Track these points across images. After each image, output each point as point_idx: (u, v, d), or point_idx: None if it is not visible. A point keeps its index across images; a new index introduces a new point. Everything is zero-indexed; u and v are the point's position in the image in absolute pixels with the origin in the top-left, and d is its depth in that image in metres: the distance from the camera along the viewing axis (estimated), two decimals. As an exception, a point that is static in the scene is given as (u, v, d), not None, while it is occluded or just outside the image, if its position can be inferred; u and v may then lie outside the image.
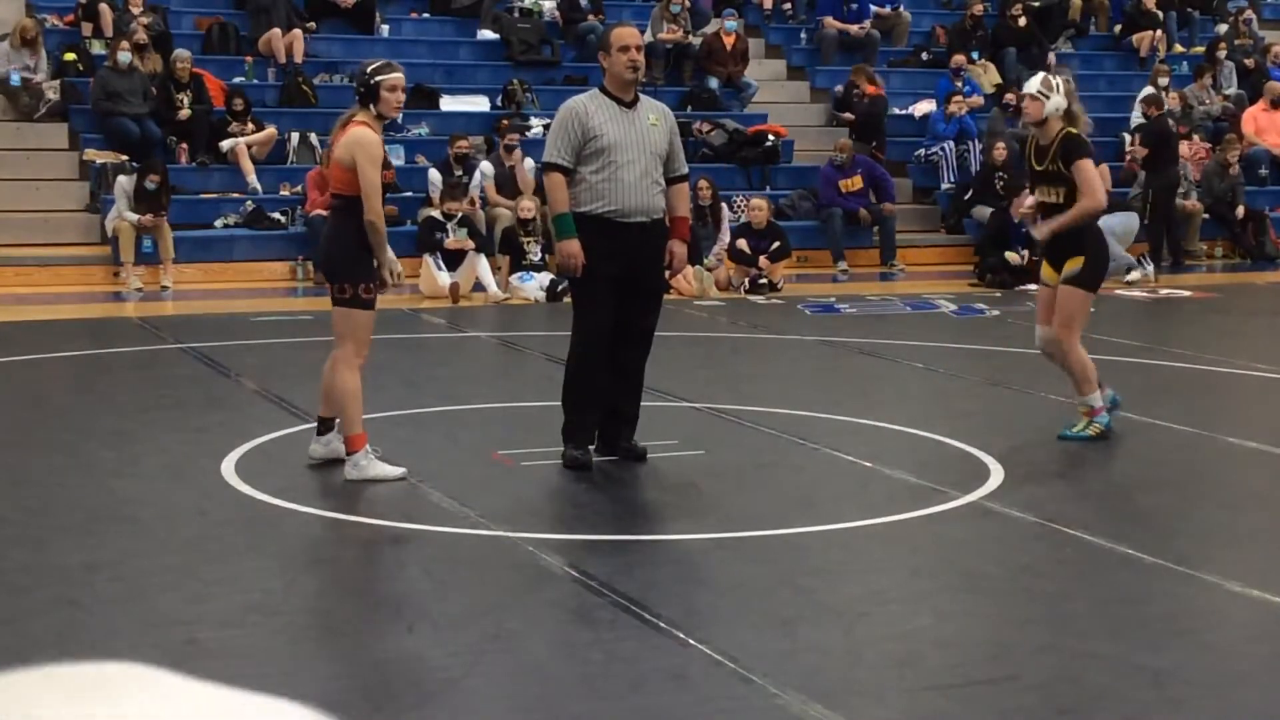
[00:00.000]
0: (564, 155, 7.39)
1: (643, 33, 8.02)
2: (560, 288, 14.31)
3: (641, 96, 7.61)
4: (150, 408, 9.11)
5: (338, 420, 7.35)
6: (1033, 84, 8.17)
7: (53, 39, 18.07)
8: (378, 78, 7.20)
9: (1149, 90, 19.79)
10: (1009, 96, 19.04)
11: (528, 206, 15.40)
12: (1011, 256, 15.98)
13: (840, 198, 17.57)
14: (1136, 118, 20.17)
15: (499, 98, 18.86)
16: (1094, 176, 8.07)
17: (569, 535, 6.36)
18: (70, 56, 17.63)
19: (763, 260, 15.53)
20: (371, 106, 7.22)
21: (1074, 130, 8.13)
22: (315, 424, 7.53)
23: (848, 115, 19.42)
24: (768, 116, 19.57)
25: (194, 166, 16.83)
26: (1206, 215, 19.18)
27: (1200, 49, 22.82)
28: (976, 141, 19.07)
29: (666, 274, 7.79)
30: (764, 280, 15.46)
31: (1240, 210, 19.26)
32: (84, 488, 7.06)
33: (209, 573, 5.70)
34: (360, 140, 7.10)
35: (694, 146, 17.90)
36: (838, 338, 12.19)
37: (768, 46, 21.72)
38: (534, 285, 14.94)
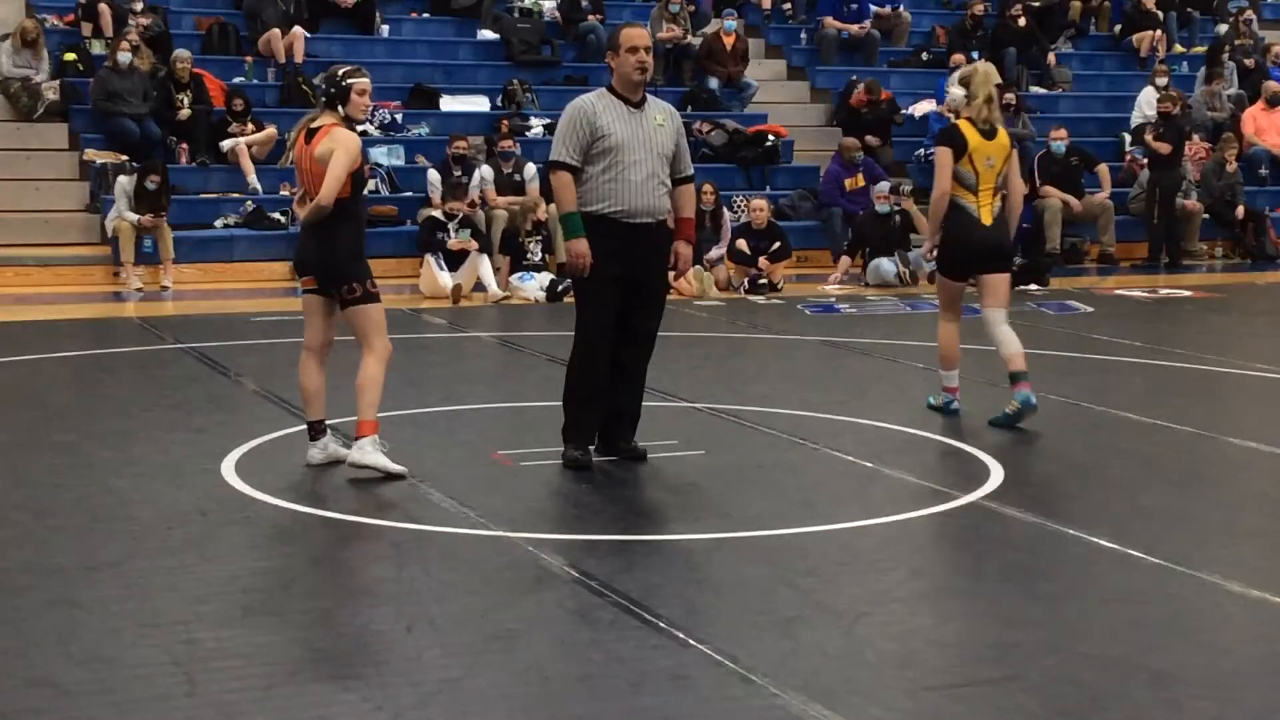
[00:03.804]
0: (572, 154, 7.37)
1: (642, 32, 7.97)
2: (561, 288, 14.31)
3: (649, 97, 7.58)
4: (150, 408, 9.11)
5: (328, 422, 7.39)
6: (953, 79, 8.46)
7: (53, 39, 18.08)
8: (349, 80, 7.26)
9: (1148, 90, 19.77)
10: (1008, 97, 19.03)
11: (544, 209, 15.33)
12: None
13: (843, 197, 17.57)
14: (1136, 118, 20.16)
15: (499, 98, 18.87)
16: (941, 165, 8.41)
17: (569, 535, 6.36)
18: (70, 56, 17.64)
19: (763, 260, 15.53)
20: (340, 109, 7.25)
21: (956, 120, 8.53)
22: (307, 429, 7.50)
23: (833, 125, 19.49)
24: (768, 116, 19.58)
25: (194, 166, 16.84)
26: (1206, 215, 19.17)
27: (1201, 49, 22.81)
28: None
29: (670, 275, 7.78)
30: (764, 280, 15.46)
31: (1240, 210, 19.25)
32: (84, 488, 7.05)
33: (209, 573, 5.70)
34: (339, 136, 7.16)
35: (694, 146, 17.90)
36: (838, 338, 12.19)
37: (768, 46, 21.73)
38: (534, 285, 14.94)
